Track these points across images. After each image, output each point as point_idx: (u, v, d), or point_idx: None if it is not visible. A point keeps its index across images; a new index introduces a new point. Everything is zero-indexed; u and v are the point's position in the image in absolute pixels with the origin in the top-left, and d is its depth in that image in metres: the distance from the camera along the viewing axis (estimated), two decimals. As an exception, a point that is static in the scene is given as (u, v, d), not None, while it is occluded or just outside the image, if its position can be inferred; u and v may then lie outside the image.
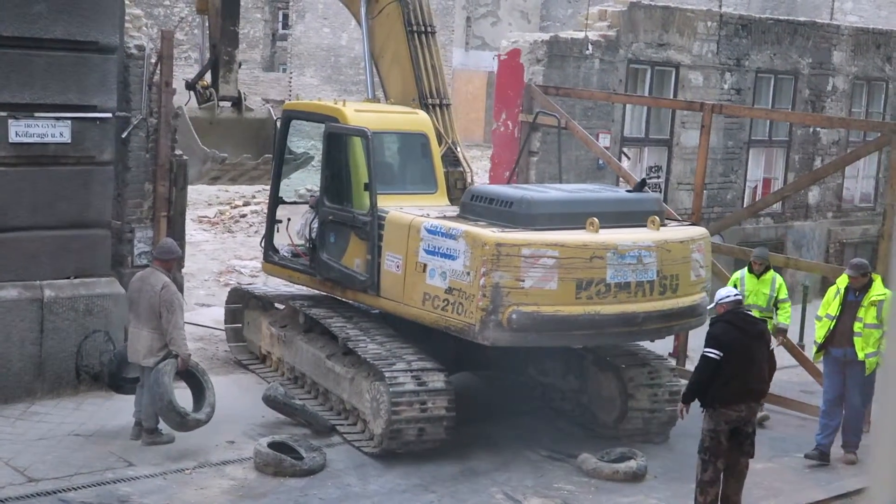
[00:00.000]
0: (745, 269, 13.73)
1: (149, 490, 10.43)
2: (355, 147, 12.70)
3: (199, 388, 11.65)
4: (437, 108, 14.03)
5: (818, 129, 20.74)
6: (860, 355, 12.17)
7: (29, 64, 12.16)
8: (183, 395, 11.46)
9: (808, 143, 20.92)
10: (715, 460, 10.22)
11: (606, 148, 17.08)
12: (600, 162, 17.07)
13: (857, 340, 12.17)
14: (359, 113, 12.84)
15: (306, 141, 27.88)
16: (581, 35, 17.37)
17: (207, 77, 15.07)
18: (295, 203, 14.45)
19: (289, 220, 13.96)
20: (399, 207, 12.21)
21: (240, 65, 15.08)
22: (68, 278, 12.66)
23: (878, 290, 12.21)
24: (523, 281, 11.01)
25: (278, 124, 13.95)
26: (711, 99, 18.16)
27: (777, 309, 13.56)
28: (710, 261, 12.63)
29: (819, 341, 12.42)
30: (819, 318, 12.47)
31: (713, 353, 10.09)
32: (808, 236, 21.01)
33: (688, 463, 11.94)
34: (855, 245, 21.58)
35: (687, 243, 12.03)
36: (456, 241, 11.25)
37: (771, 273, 13.60)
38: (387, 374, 11.43)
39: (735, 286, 13.21)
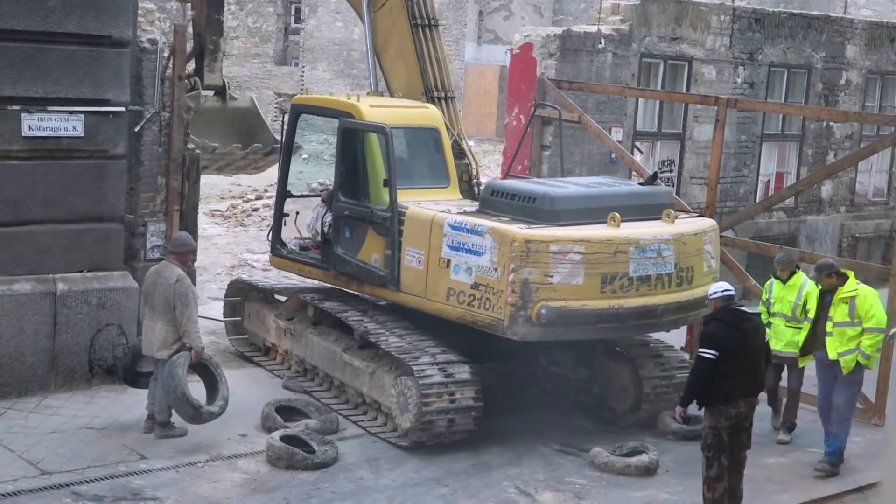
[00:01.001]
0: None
1: (161, 483, 10.46)
2: (372, 143, 12.71)
3: (212, 381, 11.68)
4: (443, 101, 14.12)
5: (831, 123, 20.67)
6: (831, 355, 11.77)
7: (42, 58, 12.18)
8: (196, 389, 11.48)
9: (822, 137, 20.86)
10: (719, 456, 10.26)
11: (619, 142, 17.06)
12: (613, 156, 17.04)
13: (829, 341, 11.82)
14: (374, 108, 12.87)
15: (318, 135, 27.93)
16: (594, 29, 17.34)
17: (190, 65, 14.85)
18: (303, 196, 14.44)
19: (297, 213, 14.00)
20: (417, 203, 12.29)
21: (224, 53, 15.05)
22: (81, 272, 12.69)
23: (848, 287, 11.82)
24: (552, 276, 11.16)
25: (286, 118, 13.95)
26: (724, 93, 18.10)
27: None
28: (719, 252, 12.81)
29: (800, 345, 12.28)
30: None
31: (709, 354, 10.03)
32: (820, 231, 20.95)
33: (700, 457, 11.93)
34: (868, 239, 21.52)
35: (700, 235, 12.26)
36: (482, 238, 11.36)
37: (798, 278, 12.79)
38: (415, 369, 11.52)
39: (766, 292, 13.07)
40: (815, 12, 22.29)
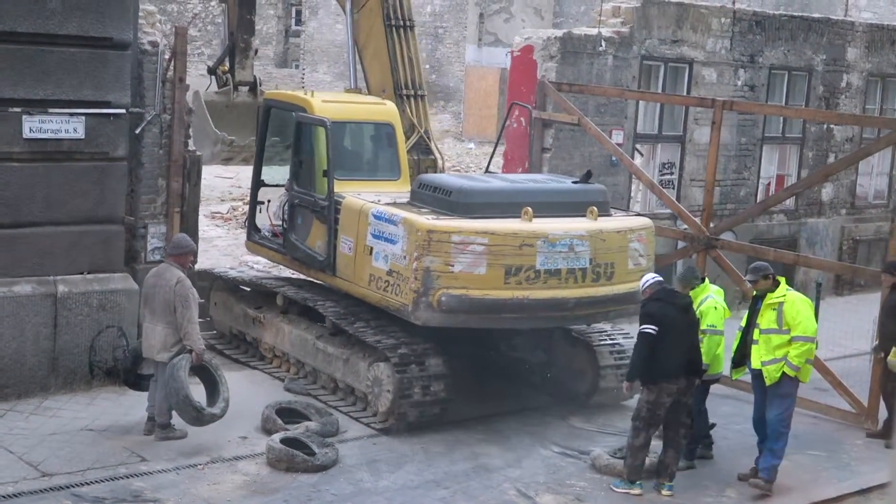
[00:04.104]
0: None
1: (161, 485, 10.46)
2: (319, 135, 13.32)
3: (212, 383, 11.68)
4: (412, 99, 14.75)
5: (832, 125, 20.67)
6: (755, 363, 11.26)
7: (43, 60, 12.18)
8: (196, 391, 11.47)
9: (822, 139, 20.86)
10: (648, 428, 10.87)
11: (619, 145, 17.05)
12: (613, 158, 17.04)
13: (754, 349, 11.31)
14: (325, 103, 13.56)
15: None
16: (594, 31, 17.34)
17: (228, 62, 15.68)
18: (277, 186, 14.79)
19: (268, 201, 14.60)
20: (357, 193, 12.84)
21: (256, 52, 15.80)
22: (82, 274, 12.69)
23: (778, 293, 11.28)
24: (453, 266, 11.67)
25: (260, 112, 14.61)
26: (725, 95, 18.11)
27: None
28: (652, 250, 13.00)
29: (732, 356, 11.66)
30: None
31: (650, 329, 10.80)
32: (821, 233, 20.94)
33: (700, 459, 11.95)
34: (868, 242, 21.51)
35: (625, 233, 12.53)
36: (396, 227, 11.93)
37: (700, 291, 11.86)
38: (389, 355, 12.08)
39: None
40: (815, 15, 22.27)
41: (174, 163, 13.37)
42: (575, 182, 13.19)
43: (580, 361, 13.51)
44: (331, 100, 13.94)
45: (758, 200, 19.64)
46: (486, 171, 15.36)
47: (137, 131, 13.12)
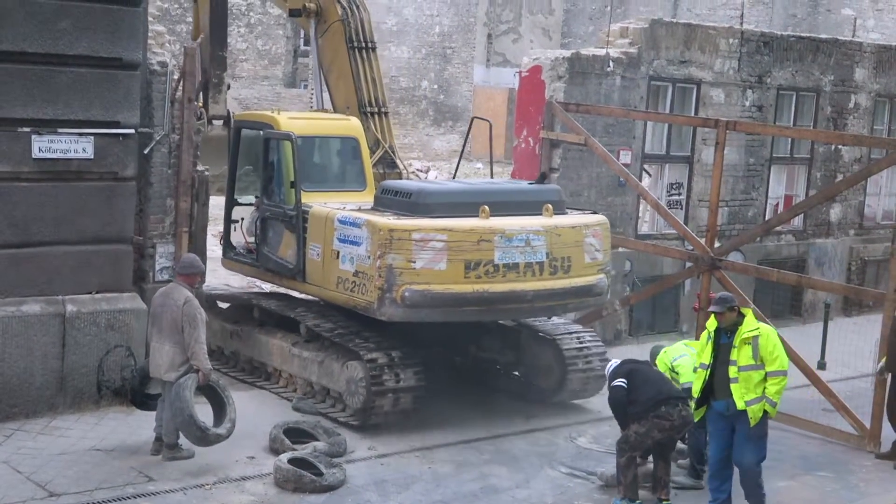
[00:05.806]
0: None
1: (169, 505, 10.46)
2: (286, 150, 13.84)
3: (219, 404, 11.68)
4: (376, 116, 15.38)
5: (840, 146, 20.67)
6: (739, 404, 10.56)
7: (53, 80, 12.24)
8: (203, 410, 11.48)
9: (830, 160, 20.85)
10: (632, 450, 11.06)
11: (627, 165, 17.05)
12: (620, 179, 17.04)
13: (735, 388, 10.58)
14: (291, 120, 14.27)
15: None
16: (602, 52, 17.37)
17: (202, 97, 15.85)
18: (250, 204, 15.14)
19: (242, 219, 15.09)
20: (323, 203, 13.38)
21: (228, 87, 16.24)
22: (90, 293, 12.72)
23: (749, 325, 10.67)
24: (414, 262, 12.18)
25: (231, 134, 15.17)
26: (733, 116, 18.12)
27: None
28: (608, 245, 13.53)
29: (695, 396, 10.97)
30: (696, 370, 11.17)
31: (620, 382, 11.10)
32: (829, 254, 20.91)
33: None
34: (877, 263, 21.47)
35: (579, 228, 13.13)
36: (360, 229, 12.47)
37: (663, 360, 12.07)
38: (363, 354, 12.59)
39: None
40: (823, 35, 22.30)
41: (183, 183, 13.40)
42: (531, 183, 13.78)
43: (547, 359, 14.02)
44: (296, 117, 14.67)
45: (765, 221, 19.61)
46: (454, 178, 15.73)
47: (146, 151, 13.16)
